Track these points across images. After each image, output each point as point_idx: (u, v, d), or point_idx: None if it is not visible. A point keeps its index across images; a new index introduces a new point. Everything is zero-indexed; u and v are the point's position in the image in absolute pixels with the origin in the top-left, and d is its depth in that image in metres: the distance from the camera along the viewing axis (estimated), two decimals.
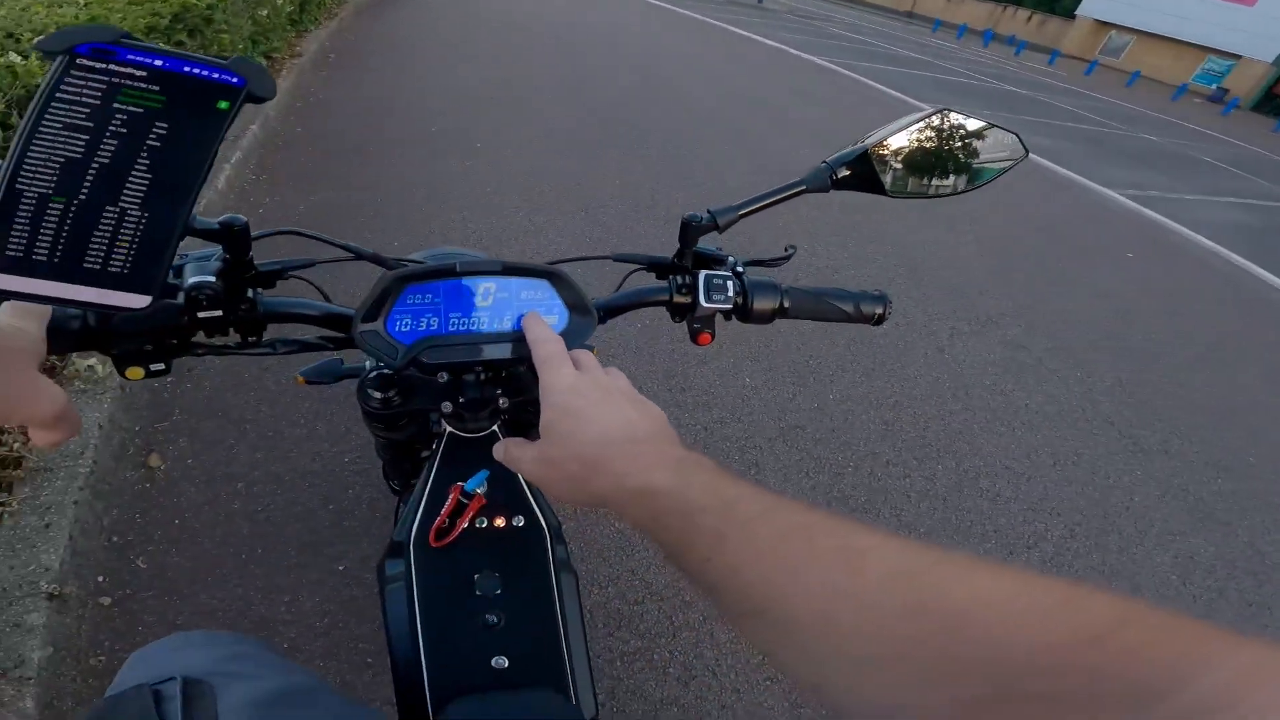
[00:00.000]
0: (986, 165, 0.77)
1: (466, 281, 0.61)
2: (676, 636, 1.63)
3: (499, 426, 0.74)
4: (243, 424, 1.91)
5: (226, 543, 1.61)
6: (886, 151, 0.73)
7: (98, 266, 0.39)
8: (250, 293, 0.60)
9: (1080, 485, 2.40)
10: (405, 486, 1.11)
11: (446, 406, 0.68)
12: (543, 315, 0.63)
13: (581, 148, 4.46)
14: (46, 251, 0.38)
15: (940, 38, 24.14)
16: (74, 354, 1.84)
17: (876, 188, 0.73)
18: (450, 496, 0.65)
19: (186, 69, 0.38)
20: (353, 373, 0.85)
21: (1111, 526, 2.25)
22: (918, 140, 0.74)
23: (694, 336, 0.76)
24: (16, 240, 0.37)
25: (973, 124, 0.75)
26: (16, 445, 1.58)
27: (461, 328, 0.61)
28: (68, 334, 0.52)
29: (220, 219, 0.55)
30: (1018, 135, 0.77)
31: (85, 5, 2.75)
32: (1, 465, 1.55)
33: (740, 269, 0.75)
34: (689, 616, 1.67)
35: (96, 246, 0.39)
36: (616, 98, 6.00)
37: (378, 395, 0.72)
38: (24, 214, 0.37)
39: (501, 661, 0.61)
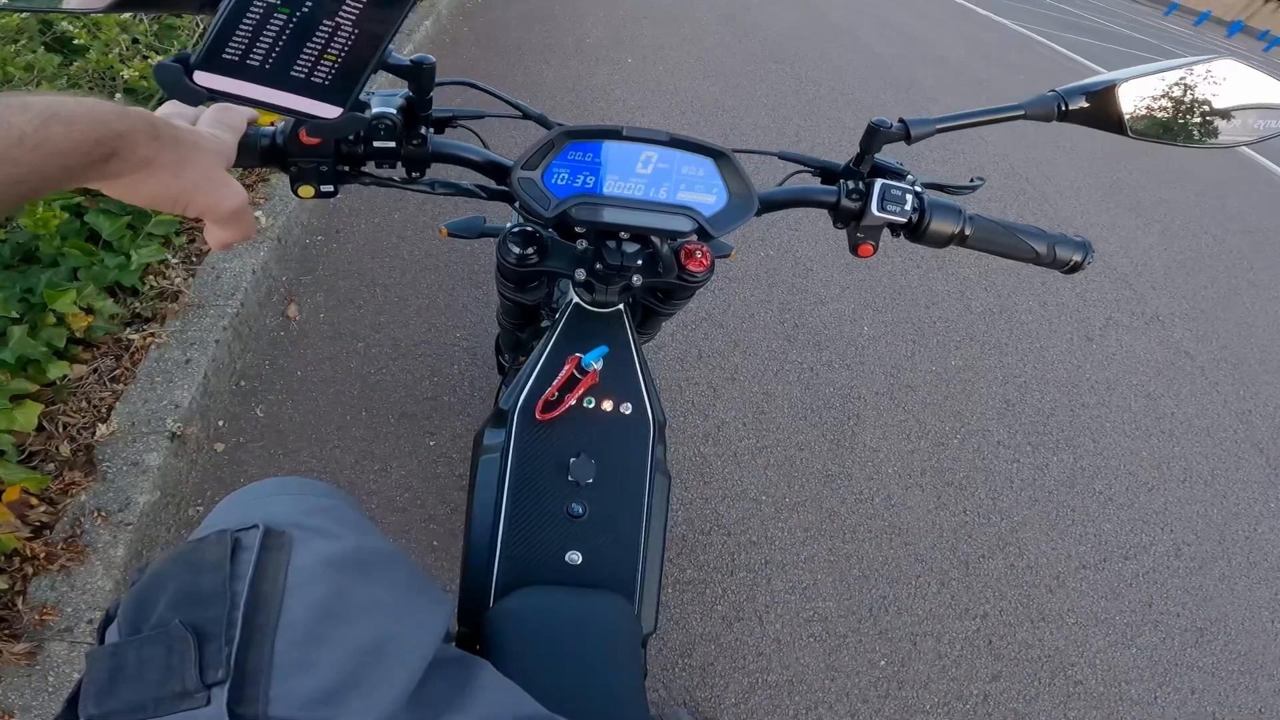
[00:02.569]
0: (1255, 126, 0.69)
1: (630, 146, 0.61)
2: (734, 575, 1.61)
3: (625, 307, 0.73)
4: (375, 286, 2.04)
5: (337, 401, 1.72)
6: (1136, 91, 0.67)
7: (303, 76, 0.41)
8: (423, 130, 0.62)
9: (1204, 505, 2.17)
10: (514, 364, 1.14)
11: (580, 274, 0.69)
12: (701, 193, 0.62)
13: (733, 77, 4.31)
14: (261, 58, 0.40)
15: (1174, 22, 21.07)
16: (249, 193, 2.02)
17: (1115, 126, 0.67)
18: (566, 367, 0.65)
19: None
20: (492, 232, 0.87)
21: (1222, 553, 2.04)
22: (1178, 86, 0.67)
23: (854, 246, 0.71)
24: (236, 45, 0.39)
25: (1255, 78, 0.67)
26: (178, 280, 1.72)
27: (616, 191, 0.61)
28: (255, 149, 0.56)
29: (412, 57, 0.57)
30: None
31: None
32: (161, 297, 1.69)
33: (919, 189, 0.69)
34: (751, 557, 1.65)
35: (306, 57, 0.41)
36: (777, 31, 5.69)
37: (516, 250, 0.72)
38: (249, 22, 0.39)
39: (575, 556, 0.60)
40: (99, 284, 1.60)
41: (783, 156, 0.74)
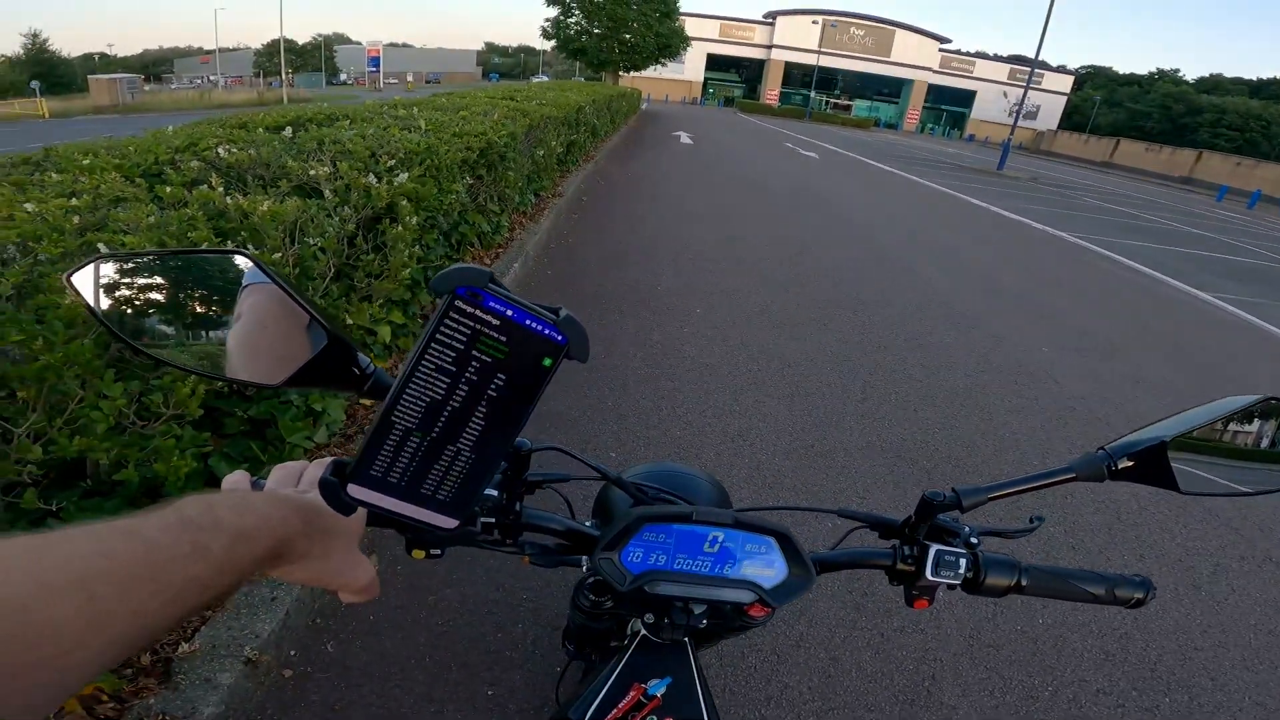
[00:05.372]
0: None
1: (699, 528, 0.67)
2: None
3: (689, 637, 0.79)
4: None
5: (404, 645, 1.79)
6: (1185, 445, 0.64)
7: (429, 493, 0.49)
8: (518, 505, 0.71)
9: None
10: (580, 651, 1.19)
11: (649, 618, 0.75)
12: (763, 568, 0.68)
13: (797, 325, 4.51)
14: (398, 476, 0.48)
15: (1227, 208, 21.35)
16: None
17: (1166, 482, 0.64)
18: (631, 694, 0.71)
19: (527, 321, 0.45)
20: (570, 562, 0.98)
21: None
22: (1229, 431, 0.65)
23: (910, 600, 0.73)
24: (381, 463, 0.47)
25: None
26: None
27: (685, 567, 0.68)
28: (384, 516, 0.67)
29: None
30: None
31: (425, 133, 3.47)
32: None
33: (975, 540, 0.72)
34: None
35: (433, 476, 0.48)
36: (835, 270, 6.03)
37: (592, 597, 0.81)
38: (391, 443, 0.47)
39: None
40: None
41: (840, 514, 0.78)
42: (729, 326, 4.29)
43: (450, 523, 0.51)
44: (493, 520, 0.68)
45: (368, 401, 2.49)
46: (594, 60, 33.71)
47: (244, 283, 0.51)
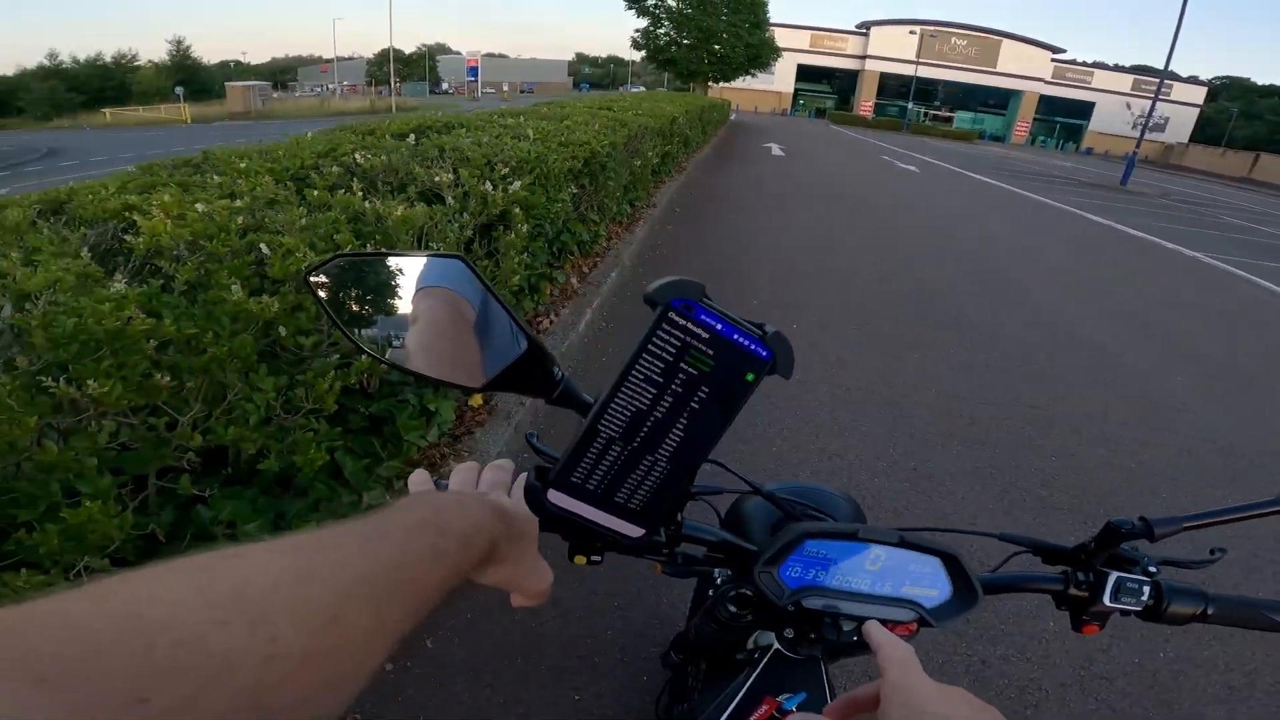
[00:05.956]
0: None
1: (862, 546, 0.65)
2: None
3: (824, 659, 0.77)
4: (544, 549, 2.20)
5: (498, 646, 1.84)
6: None
7: (623, 501, 0.50)
8: (679, 515, 0.70)
9: None
10: (682, 664, 1.18)
11: (789, 632, 0.74)
12: (925, 588, 0.66)
13: (896, 342, 4.36)
14: (596, 483, 0.49)
15: None
16: None
17: None
18: (764, 707, 0.70)
19: (735, 336, 0.45)
20: (700, 573, 0.92)
21: None
22: None
23: (1077, 626, 0.70)
24: (582, 470, 0.48)
25: None
26: None
27: (843, 585, 0.66)
28: (557, 520, 0.66)
29: None
30: None
31: (534, 141, 3.56)
32: None
33: (1154, 568, 0.68)
34: None
35: (629, 485, 0.49)
36: (939, 287, 5.80)
37: (733, 609, 0.79)
38: (594, 451, 0.48)
39: None
40: (334, 517, 1.85)
41: (1002, 538, 0.75)
42: (827, 342, 4.20)
43: (638, 531, 0.51)
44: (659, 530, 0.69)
45: (475, 403, 2.58)
46: (683, 71, 33.81)
47: (419, 285, 0.51)
